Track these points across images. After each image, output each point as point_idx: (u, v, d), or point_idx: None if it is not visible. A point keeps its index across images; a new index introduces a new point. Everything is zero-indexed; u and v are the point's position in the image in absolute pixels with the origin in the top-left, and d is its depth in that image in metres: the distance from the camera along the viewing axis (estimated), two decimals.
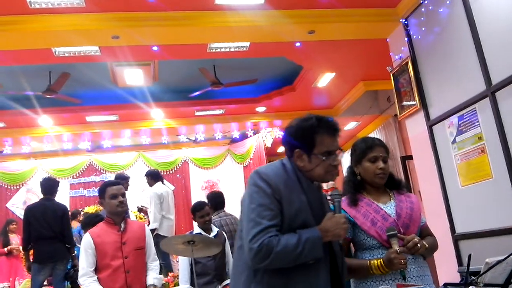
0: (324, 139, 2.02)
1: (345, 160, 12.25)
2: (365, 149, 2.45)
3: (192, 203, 11.33)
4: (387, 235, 2.26)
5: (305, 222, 1.95)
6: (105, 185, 3.67)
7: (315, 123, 2.03)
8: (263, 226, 1.87)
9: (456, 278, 4.46)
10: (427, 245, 2.31)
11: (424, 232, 2.47)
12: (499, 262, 1.42)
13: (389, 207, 2.40)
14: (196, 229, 4.69)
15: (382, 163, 2.42)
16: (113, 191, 3.57)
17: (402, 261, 2.17)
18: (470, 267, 1.63)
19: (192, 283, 4.24)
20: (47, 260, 5.81)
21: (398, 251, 2.19)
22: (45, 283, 6.17)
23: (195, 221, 4.76)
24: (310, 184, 2.05)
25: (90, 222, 4.89)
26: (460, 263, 4.78)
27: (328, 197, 2.17)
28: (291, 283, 1.91)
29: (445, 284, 2.18)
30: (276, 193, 1.93)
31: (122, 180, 7.39)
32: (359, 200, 2.42)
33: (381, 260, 2.24)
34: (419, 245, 2.24)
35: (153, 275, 3.66)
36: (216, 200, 5.43)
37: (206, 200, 5.35)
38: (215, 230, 4.70)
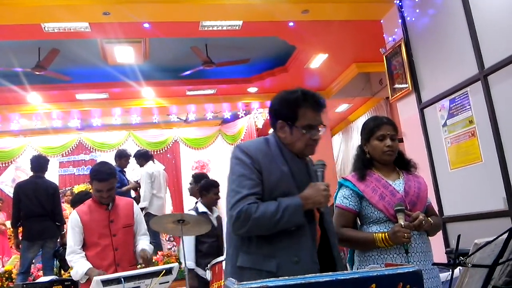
0: (307, 113, 2.05)
1: (336, 142, 12.29)
2: (372, 127, 2.50)
3: (183, 183, 11.30)
4: (395, 210, 2.32)
5: (286, 192, 1.98)
6: (93, 176, 3.47)
7: (300, 97, 2.06)
8: (243, 195, 1.93)
9: (443, 260, 4.51)
10: (432, 221, 2.38)
11: (430, 212, 2.54)
12: (488, 243, 1.42)
13: (397, 184, 2.46)
14: (201, 207, 4.57)
15: (389, 140, 2.46)
16: (98, 186, 3.44)
17: (406, 235, 2.23)
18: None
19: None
20: (37, 238, 5.80)
21: (403, 225, 2.25)
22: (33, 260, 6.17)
23: (205, 198, 4.60)
24: (293, 156, 2.08)
25: (79, 199, 4.85)
26: (447, 245, 4.83)
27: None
28: (276, 250, 1.94)
29: (433, 264, 2.21)
30: (256, 163, 1.98)
31: (123, 157, 7.35)
32: (368, 176, 2.47)
33: (386, 233, 2.30)
34: (424, 222, 2.30)
35: (145, 243, 3.59)
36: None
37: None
38: (216, 211, 4.66)
